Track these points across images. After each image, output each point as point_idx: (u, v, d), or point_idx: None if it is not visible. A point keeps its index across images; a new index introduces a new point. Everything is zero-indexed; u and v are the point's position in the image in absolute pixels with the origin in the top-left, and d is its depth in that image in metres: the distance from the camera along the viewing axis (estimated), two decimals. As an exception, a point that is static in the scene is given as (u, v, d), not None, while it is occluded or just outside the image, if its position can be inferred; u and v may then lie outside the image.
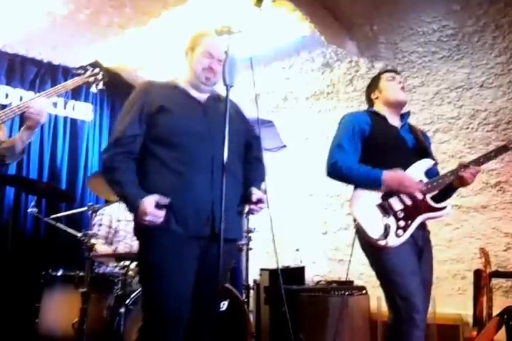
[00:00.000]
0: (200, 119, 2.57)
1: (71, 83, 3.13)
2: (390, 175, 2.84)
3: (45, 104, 2.91)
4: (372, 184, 2.86)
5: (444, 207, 2.93)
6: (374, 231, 2.78)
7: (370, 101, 3.26)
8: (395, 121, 3.13)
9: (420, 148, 3.08)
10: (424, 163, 3.00)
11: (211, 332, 2.50)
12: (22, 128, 2.98)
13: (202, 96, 2.66)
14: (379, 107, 3.17)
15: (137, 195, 2.39)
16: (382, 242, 2.75)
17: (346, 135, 3.01)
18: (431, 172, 3.01)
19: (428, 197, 2.91)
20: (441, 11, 4.29)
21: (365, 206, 2.87)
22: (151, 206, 2.33)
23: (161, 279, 2.39)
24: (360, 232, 2.88)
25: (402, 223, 2.82)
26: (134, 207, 2.38)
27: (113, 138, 2.53)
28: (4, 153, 2.97)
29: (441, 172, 3.28)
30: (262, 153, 2.85)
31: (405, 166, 2.93)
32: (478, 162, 2.98)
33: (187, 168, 2.45)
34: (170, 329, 2.37)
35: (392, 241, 2.76)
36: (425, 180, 2.94)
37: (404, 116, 3.19)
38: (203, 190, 2.44)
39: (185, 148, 2.47)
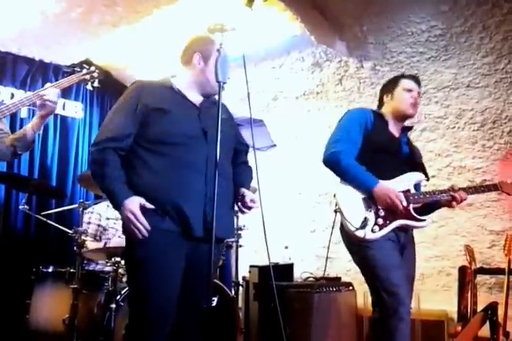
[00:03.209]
0: (195, 122, 2.55)
1: (70, 80, 3.16)
2: (382, 190, 2.87)
3: (58, 94, 2.97)
4: (362, 188, 2.91)
5: (424, 220, 2.98)
6: (353, 221, 2.84)
7: (381, 101, 3.24)
8: (395, 130, 3.14)
9: (413, 160, 3.13)
10: (417, 176, 3.06)
11: (200, 329, 2.50)
12: (34, 118, 3.04)
13: (197, 99, 2.64)
14: (386, 111, 3.17)
15: (124, 193, 2.38)
16: (358, 233, 2.81)
17: (355, 127, 3.02)
18: (417, 187, 3.09)
19: (411, 206, 2.95)
20: (430, 11, 4.36)
21: (351, 196, 2.91)
22: (137, 206, 2.34)
23: (148, 278, 2.38)
24: (343, 228, 2.93)
25: (380, 221, 2.87)
26: (117, 204, 2.38)
27: (105, 136, 2.49)
28: (16, 144, 3.03)
29: (428, 170, 3.34)
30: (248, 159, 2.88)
31: (396, 171, 2.98)
32: (468, 191, 3.04)
33: (181, 169, 2.44)
34: (154, 328, 2.36)
35: (368, 234, 2.81)
36: (413, 190, 2.99)
37: (405, 130, 3.20)
38: (196, 191, 2.43)
39: (179, 149, 2.46)
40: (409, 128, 3.25)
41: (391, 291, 2.78)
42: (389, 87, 3.21)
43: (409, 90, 3.11)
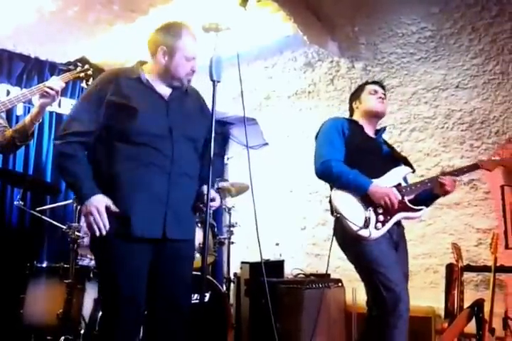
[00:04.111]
0: (163, 118, 2.49)
1: (64, 77, 3.20)
2: (376, 190, 2.95)
3: (61, 84, 3.00)
4: (358, 191, 2.97)
5: (421, 209, 3.06)
6: (356, 222, 2.88)
7: (351, 110, 3.38)
8: (370, 132, 3.27)
9: (394, 156, 3.25)
10: (404, 170, 3.16)
11: (184, 325, 2.51)
12: (33, 109, 3.08)
13: (167, 91, 2.57)
14: (357, 116, 3.30)
15: (92, 188, 2.36)
16: (364, 232, 2.86)
17: (334, 135, 3.12)
18: (406, 179, 3.19)
19: (406, 198, 3.04)
20: (421, 13, 4.39)
21: (348, 199, 2.97)
22: (103, 205, 2.32)
23: (115, 270, 2.36)
24: (340, 226, 2.95)
25: (381, 217, 2.94)
26: (83, 199, 2.35)
27: (71, 130, 2.43)
28: (15, 135, 3.07)
29: (418, 169, 3.41)
30: (226, 149, 2.87)
31: (381, 169, 3.08)
32: (454, 174, 3.14)
33: (145, 168, 2.41)
34: (123, 316, 2.36)
35: (373, 232, 2.87)
36: (403, 184, 3.10)
37: (379, 132, 3.33)
38: (158, 192, 2.41)
39: (144, 148, 2.41)
40: (383, 129, 3.37)
41: (390, 288, 2.82)
42: (356, 94, 3.37)
43: (375, 92, 3.27)
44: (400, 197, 2.98)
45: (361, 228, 2.86)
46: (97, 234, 2.32)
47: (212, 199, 2.48)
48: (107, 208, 2.33)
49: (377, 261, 2.89)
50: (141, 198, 2.39)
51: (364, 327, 3.15)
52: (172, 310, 2.48)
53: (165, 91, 2.57)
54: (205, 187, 2.44)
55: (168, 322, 2.48)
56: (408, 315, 2.87)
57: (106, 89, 2.46)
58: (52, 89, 2.94)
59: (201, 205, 2.55)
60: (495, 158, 3.21)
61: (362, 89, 3.34)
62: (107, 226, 2.33)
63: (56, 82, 2.98)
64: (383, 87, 3.36)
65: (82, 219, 4.11)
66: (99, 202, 2.32)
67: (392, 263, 2.91)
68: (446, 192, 3.10)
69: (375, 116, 3.28)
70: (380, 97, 3.26)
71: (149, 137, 2.42)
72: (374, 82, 3.40)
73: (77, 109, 2.53)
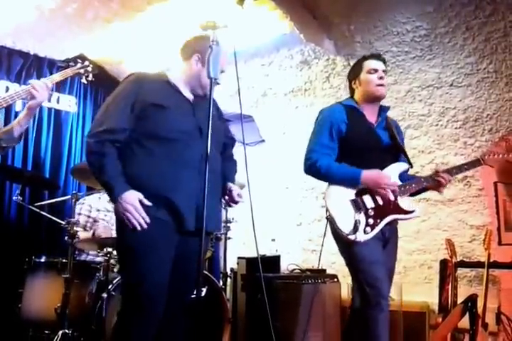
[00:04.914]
0: (190, 117, 2.58)
1: (65, 73, 3.22)
2: (367, 175, 2.92)
3: (46, 85, 2.97)
4: (350, 183, 2.96)
5: (413, 211, 3.03)
6: (344, 226, 2.89)
7: (351, 89, 3.23)
8: (372, 116, 3.14)
9: (394, 147, 3.15)
10: (399, 166, 3.10)
11: (187, 318, 2.56)
12: (21, 113, 3.06)
13: (190, 95, 2.67)
14: (358, 97, 3.17)
15: (123, 186, 2.41)
16: (351, 237, 2.87)
17: (325, 134, 3.05)
18: (403, 176, 3.10)
19: (399, 199, 3.01)
20: (415, 12, 4.42)
21: (339, 200, 2.96)
22: (137, 200, 2.38)
23: (139, 264, 2.40)
24: (332, 226, 2.98)
25: (371, 221, 2.92)
26: (115, 197, 2.40)
27: (103, 127, 2.47)
28: (2, 137, 3.03)
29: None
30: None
31: (380, 165, 3.01)
32: (451, 172, 3.09)
33: (175, 164, 2.47)
34: (145, 314, 2.38)
35: (360, 236, 2.87)
36: (399, 182, 3.03)
37: (382, 112, 3.18)
38: (189, 188, 2.46)
39: (175, 144, 2.49)
40: (386, 108, 3.22)
41: (374, 285, 2.86)
42: (354, 72, 3.19)
43: (374, 70, 3.08)
44: (393, 179, 2.98)
45: (348, 234, 2.87)
46: (139, 228, 2.38)
47: (239, 195, 2.71)
48: (140, 202, 2.39)
49: (364, 259, 2.92)
50: (172, 194, 2.45)
51: (347, 318, 3.18)
52: (180, 305, 2.54)
53: (189, 95, 2.68)
54: (230, 184, 2.70)
55: (176, 316, 2.53)
56: (388, 309, 2.92)
57: (135, 90, 2.54)
58: (35, 89, 2.90)
59: (228, 200, 2.73)
60: (500, 155, 3.12)
61: (360, 66, 3.14)
62: (147, 220, 2.38)
63: (39, 82, 2.94)
64: (384, 61, 3.16)
65: (76, 215, 4.18)
66: (133, 199, 2.38)
67: (377, 261, 2.93)
68: (437, 190, 3.11)
69: (374, 99, 3.13)
70: (381, 77, 3.07)
71: (179, 134, 2.50)
72: (372, 56, 3.18)
73: (108, 108, 2.57)
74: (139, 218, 2.37)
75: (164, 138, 2.49)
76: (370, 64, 3.11)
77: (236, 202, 2.71)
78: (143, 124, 2.51)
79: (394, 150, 3.14)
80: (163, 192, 2.45)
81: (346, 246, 2.98)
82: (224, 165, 2.74)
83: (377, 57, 3.18)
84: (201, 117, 2.54)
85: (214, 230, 2.72)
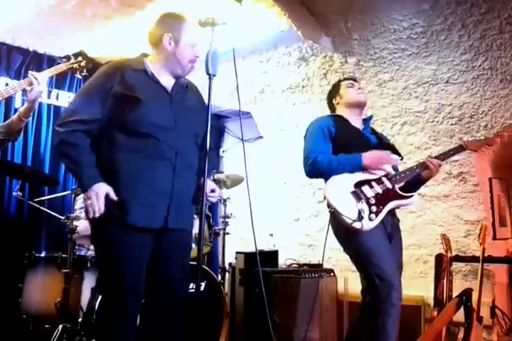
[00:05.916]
0: (167, 110, 2.51)
1: (58, 68, 3.26)
2: (368, 156, 3.08)
3: (44, 78, 3.07)
4: (354, 167, 3.09)
5: (411, 195, 3.16)
6: (350, 215, 2.95)
7: (332, 106, 3.46)
8: (357, 123, 3.34)
9: (383, 145, 3.33)
10: (392, 157, 3.25)
11: (180, 313, 2.55)
12: (22, 106, 3.14)
13: (170, 83, 2.59)
14: (341, 111, 3.38)
15: (95, 177, 2.38)
16: (357, 225, 2.92)
17: (319, 137, 3.20)
18: (395, 167, 3.28)
19: (397, 186, 3.13)
20: (412, 9, 4.44)
21: (340, 194, 3.04)
22: (103, 192, 2.34)
23: (115, 257, 2.41)
24: (335, 218, 3.03)
25: (374, 208, 3.01)
26: (86, 186, 2.36)
27: (75, 117, 2.42)
28: (0, 130, 3.12)
29: (408, 162, 3.47)
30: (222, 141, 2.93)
31: None
32: (440, 158, 3.26)
33: (148, 159, 2.43)
34: (123, 302, 2.38)
35: (366, 224, 2.93)
36: (393, 172, 3.18)
37: (366, 121, 3.42)
38: (162, 183, 2.44)
39: (149, 139, 2.43)
40: (369, 118, 3.48)
41: (384, 278, 2.90)
42: (333, 92, 3.48)
43: (352, 85, 3.40)
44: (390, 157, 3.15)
45: (355, 221, 2.92)
46: (91, 216, 2.34)
47: (213, 191, 2.61)
48: (107, 195, 2.36)
49: (372, 252, 2.96)
50: (143, 189, 2.41)
51: (357, 313, 3.21)
52: (170, 297, 2.52)
53: (168, 83, 2.59)
54: (202, 179, 2.46)
55: (165, 309, 2.52)
56: (400, 303, 2.94)
57: (111, 79, 2.47)
58: (34, 77, 3.01)
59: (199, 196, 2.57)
60: (479, 138, 3.40)
61: (338, 86, 3.45)
62: (102, 210, 2.34)
63: (37, 73, 3.04)
64: (356, 81, 3.48)
65: (77, 210, 4.13)
66: (100, 189, 2.34)
67: (386, 253, 2.99)
68: (429, 176, 3.24)
69: (357, 106, 3.38)
70: (359, 88, 3.39)
71: (154, 128, 2.44)
72: (346, 78, 3.54)
73: (82, 97, 2.51)
74: (95, 206, 2.33)
75: (138, 132, 2.43)
76: (347, 82, 3.44)
77: (210, 198, 2.62)
78: (117, 116, 2.44)
79: (383, 148, 3.28)
80: (135, 188, 2.41)
81: (352, 241, 3.03)
82: (200, 157, 2.62)
83: (352, 78, 3.56)
84: (178, 109, 2.54)
85: (185, 228, 2.59)
